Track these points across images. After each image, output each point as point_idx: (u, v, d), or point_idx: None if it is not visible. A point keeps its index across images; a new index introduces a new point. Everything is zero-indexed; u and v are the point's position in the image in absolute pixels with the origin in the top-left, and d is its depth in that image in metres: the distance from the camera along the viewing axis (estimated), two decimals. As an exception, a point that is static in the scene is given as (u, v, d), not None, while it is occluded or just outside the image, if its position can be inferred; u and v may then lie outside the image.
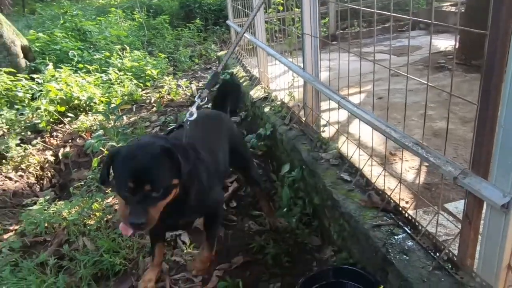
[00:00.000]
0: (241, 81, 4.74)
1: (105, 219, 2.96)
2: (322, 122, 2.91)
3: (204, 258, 2.17)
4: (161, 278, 2.38)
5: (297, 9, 3.33)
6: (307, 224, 2.62)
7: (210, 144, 2.25)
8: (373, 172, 2.30)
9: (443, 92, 1.43)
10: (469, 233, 1.51)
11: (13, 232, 3.06)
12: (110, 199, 3.30)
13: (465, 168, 1.48)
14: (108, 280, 2.45)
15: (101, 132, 3.85)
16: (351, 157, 2.47)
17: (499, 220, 1.33)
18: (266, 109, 3.68)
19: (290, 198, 2.67)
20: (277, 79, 4.12)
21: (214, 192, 2.13)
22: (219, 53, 6.72)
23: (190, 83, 5.98)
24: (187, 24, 9.18)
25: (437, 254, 1.66)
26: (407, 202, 2.22)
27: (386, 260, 1.75)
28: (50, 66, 5.40)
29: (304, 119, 3.13)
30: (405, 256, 1.72)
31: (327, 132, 2.85)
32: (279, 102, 3.65)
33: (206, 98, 2.38)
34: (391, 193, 2.08)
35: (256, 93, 4.20)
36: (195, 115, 2.17)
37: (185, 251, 2.59)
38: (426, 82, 1.65)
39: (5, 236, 3.01)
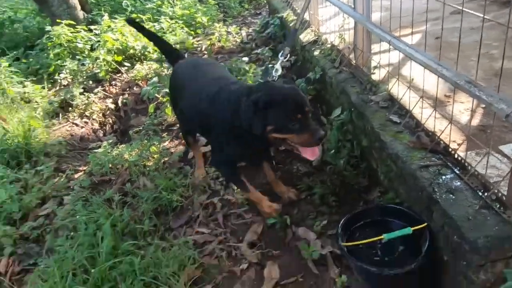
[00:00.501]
0: (290, 24, 4.64)
1: (162, 161, 3.17)
2: (373, 64, 2.83)
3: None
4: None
5: None
6: (354, 166, 2.64)
7: None
8: (424, 114, 2.24)
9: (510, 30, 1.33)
10: (520, 172, 1.47)
11: (82, 172, 3.37)
12: (167, 142, 3.51)
13: (520, 105, 1.42)
14: (167, 214, 2.68)
15: (155, 79, 4.00)
16: (401, 98, 2.42)
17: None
18: (316, 53, 3.61)
19: (338, 140, 2.68)
20: (327, 22, 3.99)
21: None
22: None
23: (240, 29, 5.94)
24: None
25: (485, 194, 1.64)
26: (458, 144, 2.17)
27: (432, 199, 1.76)
28: (106, 17, 5.58)
29: (354, 61, 3.06)
30: (451, 195, 1.71)
31: (378, 75, 2.78)
32: (329, 45, 3.57)
33: (288, 55, 2.52)
34: (440, 134, 2.03)
35: (306, 36, 4.11)
36: (280, 72, 2.27)
37: (235, 191, 2.73)
38: (482, 15, 1.55)
39: (76, 176, 3.33)
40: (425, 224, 1.72)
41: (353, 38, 3.03)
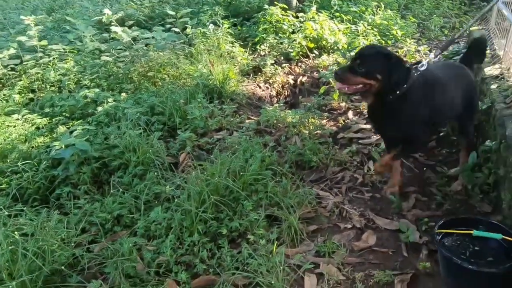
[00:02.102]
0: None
1: (315, 132, 3.73)
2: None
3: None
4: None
5: None
6: (484, 192, 2.75)
7: (445, 86, 2.68)
8: None
9: None
10: None
11: (253, 120, 4.17)
12: (324, 121, 4.05)
13: None
14: (304, 169, 3.24)
15: (335, 67, 4.56)
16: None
17: None
18: (493, 86, 3.65)
19: (476, 163, 2.81)
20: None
21: (418, 122, 2.56)
22: (473, 28, 6.42)
23: (430, 51, 6.05)
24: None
25: None
26: None
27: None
28: (314, 8, 6.37)
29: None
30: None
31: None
32: (509, 83, 3.57)
33: (439, 57, 2.80)
34: None
35: (491, 70, 4.11)
36: (424, 66, 2.59)
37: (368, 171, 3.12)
38: None
39: (247, 121, 4.15)
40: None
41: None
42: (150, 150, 3.21)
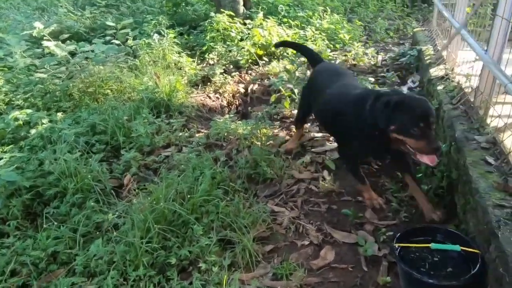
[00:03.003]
0: (426, 58, 4.72)
1: (268, 143, 3.60)
2: (491, 111, 2.84)
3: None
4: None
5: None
6: (439, 197, 2.72)
7: None
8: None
9: None
10: None
11: (203, 133, 3.98)
12: (277, 130, 3.94)
13: None
14: (258, 184, 3.09)
15: (284, 75, 4.47)
16: (503, 141, 2.44)
17: None
18: (440, 87, 3.69)
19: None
20: (462, 65, 4.00)
21: None
22: (416, 29, 6.60)
23: (377, 53, 6.13)
24: (395, -3, 9.10)
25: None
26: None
27: (493, 234, 1.84)
28: (261, 14, 6.29)
29: (472, 102, 3.09)
30: (513, 234, 1.78)
31: (495, 122, 2.78)
32: (455, 84, 3.61)
33: (418, 83, 2.77)
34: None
35: (436, 71, 4.17)
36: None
37: (322, 182, 3.02)
38: None
39: (197, 134, 3.95)
40: (478, 251, 1.81)
41: (479, 79, 3.07)
42: (89, 175, 2.94)
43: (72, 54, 5.19)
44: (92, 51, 5.03)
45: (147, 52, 5.46)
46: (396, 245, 1.98)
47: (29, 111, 3.77)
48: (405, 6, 9.13)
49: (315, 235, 2.53)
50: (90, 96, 4.45)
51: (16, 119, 3.65)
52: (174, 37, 5.97)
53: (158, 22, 6.29)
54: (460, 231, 2.24)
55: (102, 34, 6.19)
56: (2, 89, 4.40)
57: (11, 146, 3.45)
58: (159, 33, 5.79)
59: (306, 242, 2.50)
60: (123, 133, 3.66)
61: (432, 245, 1.78)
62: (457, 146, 2.69)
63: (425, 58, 4.75)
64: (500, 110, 2.70)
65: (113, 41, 5.53)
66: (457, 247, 1.78)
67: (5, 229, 2.64)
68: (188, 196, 2.60)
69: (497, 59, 2.83)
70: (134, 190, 3.01)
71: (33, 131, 3.57)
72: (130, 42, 5.60)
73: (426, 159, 2.24)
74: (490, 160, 2.40)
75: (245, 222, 2.50)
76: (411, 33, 6.98)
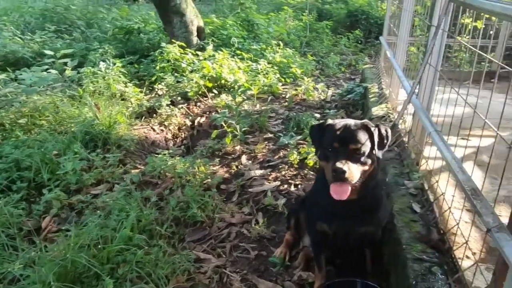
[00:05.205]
0: (370, 96, 4.79)
1: (204, 181, 3.46)
2: (425, 153, 2.85)
3: None
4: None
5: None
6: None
7: None
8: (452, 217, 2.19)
9: None
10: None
11: (139, 170, 3.80)
12: (217, 167, 3.81)
13: (503, 224, 1.44)
14: (187, 227, 2.93)
15: (227, 110, 4.39)
16: (428, 189, 2.43)
17: None
18: (378, 127, 3.71)
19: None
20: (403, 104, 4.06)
21: (388, 204, 2.27)
22: (365, 66, 6.76)
23: (328, 88, 6.20)
24: (348, 34, 9.35)
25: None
26: (474, 253, 2.10)
27: (409, 291, 1.77)
28: (210, 46, 6.26)
29: (406, 144, 3.11)
30: (426, 292, 1.71)
31: (426, 165, 2.77)
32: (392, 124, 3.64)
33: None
34: (449, 235, 2.02)
35: (377, 110, 4.22)
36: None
37: (253, 226, 2.90)
38: None
39: (133, 171, 3.76)
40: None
41: (412, 121, 3.10)
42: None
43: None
44: (20, 80, 4.79)
45: (91, 81, 5.27)
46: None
47: None
48: (359, 42, 9.41)
49: (238, 286, 2.38)
50: (22, 128, 4.19)
51: None
52: (122, 66, 5.82)
53: (104, 50, 6.12)
54: (387, 285, 2.18)
55: (41, 62, 5.95)
56: None
57: None
58: (104, 62, 5.62)
59: (230, 294, 2.35)
60: (49, 170, 3.42)
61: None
62: (386, 191, 2.66)
63: (370, 96, 4.82)
64: (429, 153, 2.70)
65: (50, 70, 5.31)
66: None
67: None
68: (101, 246, 2.39)
69: (426, 104, 2.87)
70: (54, 233, 2.78)
71: None
72: (68, 72, 5.38)
73: (333, 190, 1.81)
74: (416, 208, 2.37)
75: (163, 272, 2.32)
76: (362, 70, 7.14)
